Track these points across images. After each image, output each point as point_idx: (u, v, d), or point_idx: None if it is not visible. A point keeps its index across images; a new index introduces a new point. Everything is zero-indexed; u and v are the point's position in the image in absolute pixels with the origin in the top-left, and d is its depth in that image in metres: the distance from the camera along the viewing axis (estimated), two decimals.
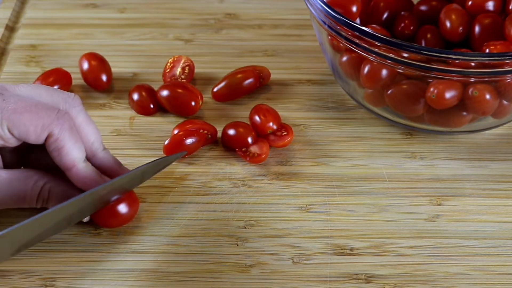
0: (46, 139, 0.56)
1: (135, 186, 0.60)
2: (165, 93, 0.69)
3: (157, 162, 0.61)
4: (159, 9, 0.82)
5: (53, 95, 0.58)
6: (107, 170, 0.60)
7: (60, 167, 0.57)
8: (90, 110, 0.70)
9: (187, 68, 0.72)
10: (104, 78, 0.71)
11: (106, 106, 0.71)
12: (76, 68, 0.73)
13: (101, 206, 0.58)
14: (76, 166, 0.57)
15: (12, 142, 0.56)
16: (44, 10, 0.82)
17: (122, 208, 0.59)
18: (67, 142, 0.56)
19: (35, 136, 0.55)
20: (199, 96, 0.69)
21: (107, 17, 0.81)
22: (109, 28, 0.79)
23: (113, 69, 0.73)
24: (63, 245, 0.59)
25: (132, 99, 0.70)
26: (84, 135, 0.58)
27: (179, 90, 0.69)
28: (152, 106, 0.69)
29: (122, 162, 0.65)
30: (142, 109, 0.69)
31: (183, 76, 0.71)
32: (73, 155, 0.56)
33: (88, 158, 0.59)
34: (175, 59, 0.72)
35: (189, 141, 0.65)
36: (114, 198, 0.59)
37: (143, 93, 0.70)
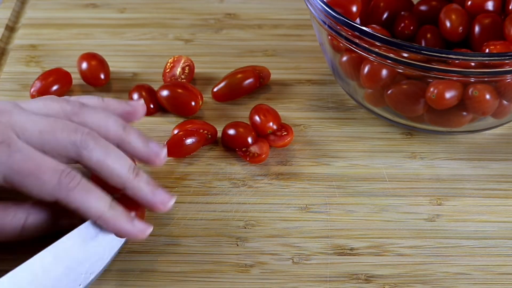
0: (57, 202, 0.53)
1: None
2: (165, 93, 0.69)
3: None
4: (159, 9, 0.82)
5: (60, 141, 0.54)
6: (143, 203, 0.57)
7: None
8: None
9: (187, 68, 0.72)
10: (102, 76, 0.71)
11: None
12: (76, 68, 0.73)
13: None
14: (101, 217, 0.54)
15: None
16: (44, 10, 0.82)
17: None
18: (79, 202, 0.53)
19: (39, 198, 0.53)
20: (199, 96, 0.69)
21: (107, 17, 0.81)
22: (109, 28, 0.79)
23: (112, 69, 0.73)
24: None
25: (132, 99, 0.70)
26: (105, 172, 0.55)
27: (179, 90, 0.69)
28: (152, 106, 0.69)
29: None
30: None
31: (183, 76, 0.71)
32: (92, 210, 0.53)
33: (123, 189, 0.56)
34: (175, 59, 0.72)
35: (189, 141, 0.65)
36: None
37: (143, 93, 0.70)
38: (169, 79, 0.71)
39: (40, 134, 0.54)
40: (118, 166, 0.55)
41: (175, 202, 0.61)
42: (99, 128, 0.56)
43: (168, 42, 0.78)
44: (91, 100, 0.59)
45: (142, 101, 0.61)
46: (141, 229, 0.55)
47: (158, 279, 0.57)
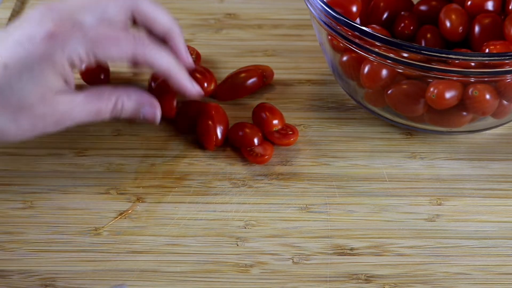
0: (133, 60, 0.60)
1: None
2: None
3: None
4: None
5: (116, 4, 0.62)
6: (181, 86, 0.64)
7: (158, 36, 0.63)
8: None
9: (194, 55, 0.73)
10: (102, 76, 0.71)
11: None
12: None
13: None
14: (171, 69, 0.62)
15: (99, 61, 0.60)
16: None
17: None
18: (153, 57, 0.60)
19: (119, 60, 0.59)
20: (212, 79, 0.70)
21: None
22: None
23: (113, 69, 0.73)
24: (63, 245, 0.59)
25: (151, 83, 0.71)
26: (158, 22, 0.63)
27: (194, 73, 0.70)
28: None
29: (123, 162, 0.65)
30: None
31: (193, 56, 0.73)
32: (164, 63, 0.61)
33: (167, 41, 0.64)
34: None
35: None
36: None
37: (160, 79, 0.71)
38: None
39: (97, 5, 0.61)
40: (168, 21, 0.64)
41: (175, 202, 0.62)
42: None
43: None
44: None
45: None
46: (197, 89, 0.65)
47: (158, 279, 0.57)
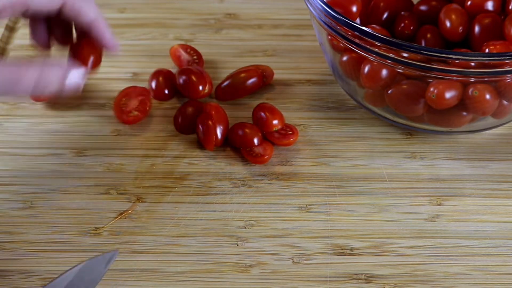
0: (61, 7, 0.58)
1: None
2: (178, 77, 0.71)
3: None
4: (159, 9, 0.82)
5: None
6: (103, 37, 0.61)
7: (83, 27, 0.59)
8: (90, 110, 0.70)
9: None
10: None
11: (106, 106, 0.71)
12: None
13: None
14: (97, 19, 0.59)
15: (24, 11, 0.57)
16: None
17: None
18: (82, 4, 0.58)
19: (49, 4, 0.57)
20: (207, 81, 0.70)
21: (107, 17, 0.80)
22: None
23: (112, 69, 0.73)
24: (63, 245, 0.59)
25: (151, 84, 0.71)
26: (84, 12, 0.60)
27: (190, 75, 0.70)
28: (167, 91, 0.71)
29: (123, 162, 0.65)
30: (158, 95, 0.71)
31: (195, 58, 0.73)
32: (92, 12, 0.59)
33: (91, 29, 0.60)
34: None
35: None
36: None
37: (160, 78, 0.71)
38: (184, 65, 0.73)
39: None
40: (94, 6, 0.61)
41: (175, 202, 0.62)
42: None
43: (168, 42, 0.78)
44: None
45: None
46: (117, 42, 0.61)
47: (158, 279, 0.57)
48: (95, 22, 0.60)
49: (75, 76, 0.56)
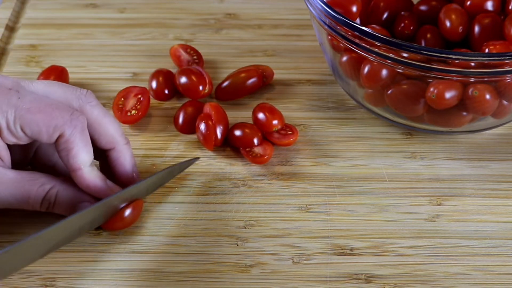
0: (57, 139, 0.56)
1: (148, 194, 0.61)
2: (178, 77, 0.71)
3: (170, 170, 0.61)
4: (159, 9, 0.82)
5: (66, 92, 0.58)
6: (120, 170, 0.60)
7: (66, 167, 0.57)
8: None
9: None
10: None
11: (106, 106, 0.71)
12: (76, 68, 0.73)
13: (111, 214, 0.58)
14: (82, 170, 0.57)
15: (24, 140, 0.56)
16: (44, 10, 0.82)
17: (127, 212, 0.59)
18: (77, 145, 0.56)
19: (47, 136, 0.56)
20: (207, 81, 0.70)
21: (107, 17, 0.81)
22: (109, 28, 0.79)
23: (112, 69, 0.73)
24: None
25: (151, 84, 0.71)
26: (102, 129, 0.58)
27: (190, 76, 0.70)
28: (167, 91, 0.71)
29: None
30: (158, 95, 0.71)
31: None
32: (80, 158, 0.56)
33: (110, 150, 0.59)
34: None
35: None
36: (123, 205, 0.59)
37: (160, 78, 0.71)
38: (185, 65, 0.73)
39: (46, 86, 0.57)
40: (115, 127, 0.59)
41: (175, 202, 0.62)
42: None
43: (168, 42, 0.78)
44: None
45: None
46: (107, 190, 0.58)
47: (158, 279, 0.57)
48: (77, 173, 0.57)
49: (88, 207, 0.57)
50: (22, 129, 0.55)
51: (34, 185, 0.56)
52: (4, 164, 0.56)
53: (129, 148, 0.60)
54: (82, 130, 0.56)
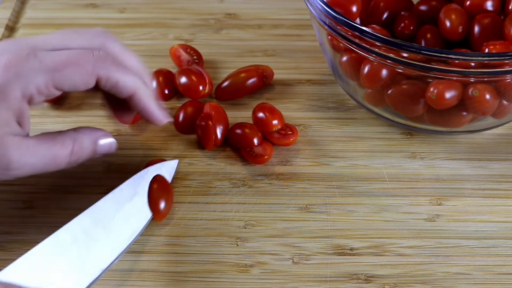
0: (97, 82, 0.56)
1: None
2: (178, 77, 0.71)
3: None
4: (159, 9, 0.82)
5: (84, 35, 0.57)
6: (144, 108, 0.59)
7: (124, 99, 0.58)
8: (90, 110, 0.70)
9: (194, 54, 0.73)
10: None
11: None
12: None
13: None
14: (137, 91, 0.57)
15: (59, 94, 0.56)
16: (44, 10, 0.82)
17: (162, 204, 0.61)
18: (118, 76, 0.56)
19: (84, 85, 0.56)
20: (207, 81, 0.70)
21: (107, 17, 0.81)
22: (109, 28, 0.79)
23: None
24: None
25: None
26: (124, 65, 0.58)
27: (190, 75, 0.70)
28: (167, 91, 0.71)
29: (122, 162, 0.65)
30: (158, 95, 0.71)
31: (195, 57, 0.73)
32: (129, 84, 0.57)
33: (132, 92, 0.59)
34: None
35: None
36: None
37: (160, 78, 0.71)
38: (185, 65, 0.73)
39: (62, 37, 0.56)
40: (137, 64, 0.59)
41: (175, 202, 0.62)
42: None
43: (168, 42, 0.78)
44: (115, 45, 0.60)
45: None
46: (165, 115, 0.60)
47: (158, 279, 0.57)
48: (136, 95, 0.58)
49: (106, 143, 0.59)
50: (56, 88, 0.55)
51: (56, 144, 0.56)
52: (24, 131, 0.55)
53: (150, 90, 0.59)
54: (113, 62, 0.56)
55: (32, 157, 0.54)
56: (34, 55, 0.54)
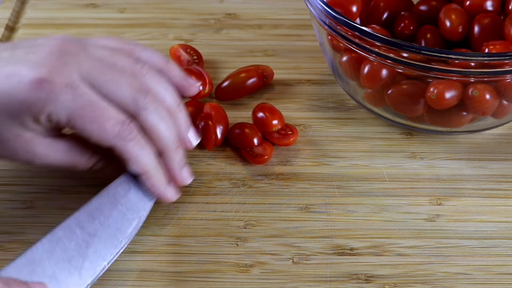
0: (110, 148, 0.56)
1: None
2: None
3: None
4: (159, 9, 0.82)
5: (125, 92, 0.56)
6: (171, 172, 0.60)
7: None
8: None
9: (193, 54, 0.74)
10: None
11: None
12: None
13: None
14: (147, 173, 0.58)
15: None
16: (44, 10, 0.82)
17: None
18: (132, 154, 0.56)
19: (96, 142, 0.56)
20: (206, 81, 0.70)
21: (107, 17, 0.81)
22: (109, 28, 0.79)
23: None
24: None
25: None
26: (154, 136, 0.57)
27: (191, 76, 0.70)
28: None
29: None
30: None
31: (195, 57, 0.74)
32: (141, 164, 0.57)
33: (160, 155, 0.59)
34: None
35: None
36: None
37: None
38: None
39: (105, 83, 0.56)
40: (167, 134, 0.58)
41: (175, 202, 0.62)
42: (157, 93, 0.58)
43: (168, 42, 0.78)
44: (156, 59, 0.62)
45: (198, 84, 0.65)
46: (172, 194, 0.60)
47: (158, 279, 0.57)
48: (143, 176, 0.58)
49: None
50: (73, 128, 0.55)
51: (82, 158, 0.58)
52: (55, 131, 0.56)
53: (178, 153, 0.59)
54: (133, 139, 0.56)
55: (54, 158, 0.57)
56: (73, 90, 0.54)
